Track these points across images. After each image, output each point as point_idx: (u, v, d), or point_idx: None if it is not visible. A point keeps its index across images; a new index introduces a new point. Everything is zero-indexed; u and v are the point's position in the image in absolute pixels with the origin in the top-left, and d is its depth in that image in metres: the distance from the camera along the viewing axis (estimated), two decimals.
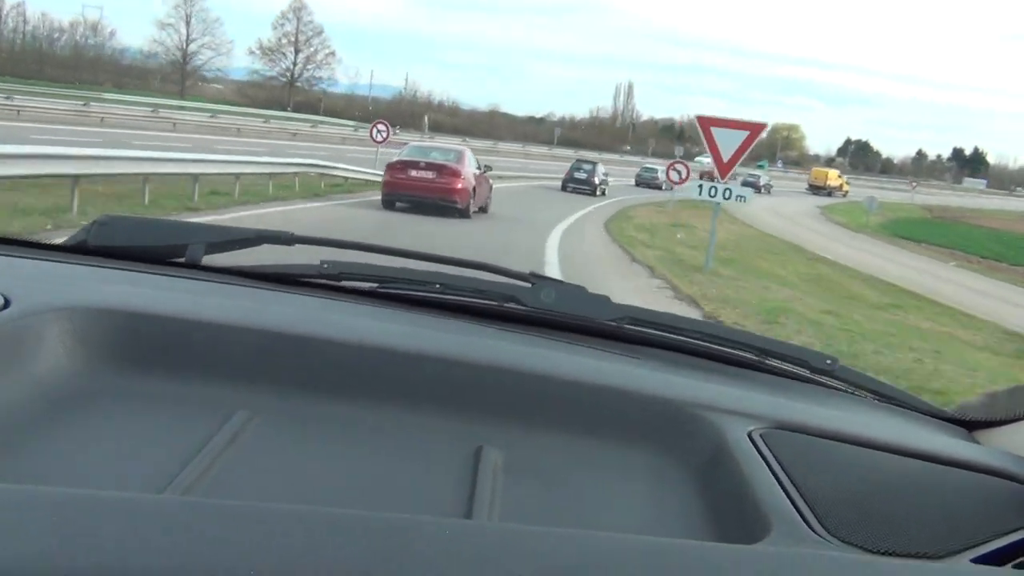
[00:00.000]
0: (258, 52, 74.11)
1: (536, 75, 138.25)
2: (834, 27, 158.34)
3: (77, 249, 1.16)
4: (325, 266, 1.18)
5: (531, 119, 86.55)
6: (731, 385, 1.02)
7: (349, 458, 0.78)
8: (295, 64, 74.25)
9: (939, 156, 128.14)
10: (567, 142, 67.55)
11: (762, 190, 53.30)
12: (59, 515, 0.52)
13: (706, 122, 10.91)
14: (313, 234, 1.29)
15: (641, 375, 0.98)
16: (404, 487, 0.75)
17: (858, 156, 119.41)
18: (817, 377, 1.15)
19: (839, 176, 62.28)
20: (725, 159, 10.80)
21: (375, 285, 1.21)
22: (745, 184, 54.04)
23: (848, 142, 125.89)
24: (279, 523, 0.55)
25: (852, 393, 1.17)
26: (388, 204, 14.79)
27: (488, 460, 0.78)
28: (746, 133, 10.70)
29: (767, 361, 1.16)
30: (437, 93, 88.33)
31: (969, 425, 1.10)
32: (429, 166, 14.62)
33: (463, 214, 14.63)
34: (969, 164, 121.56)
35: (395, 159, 15.19)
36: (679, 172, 24.95)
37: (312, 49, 73.93)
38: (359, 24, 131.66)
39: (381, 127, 24.16)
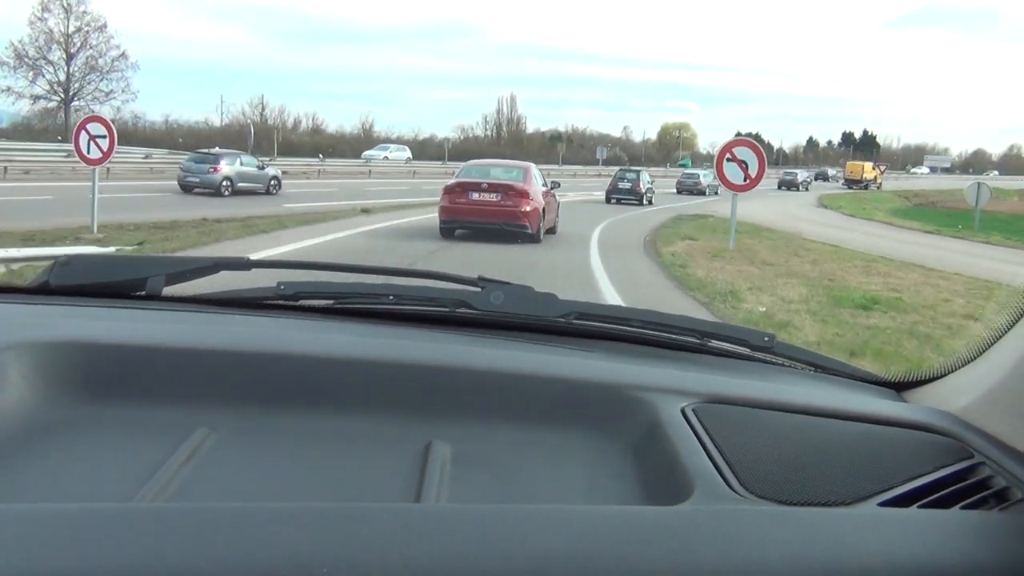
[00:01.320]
0: (11, 60, 46.29)
1: (416, 99, 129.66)
2: (700, 32, 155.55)
3: (40, 290, 1.18)
4: (282, 287, 1.20)
5: (414, 140, 72.87)
6: (671, 367, 1.05)
7: (303, 463, 0.81)
8: (68, 73, 47.28)
9: (830, 142, 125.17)
10: (460, 155, 54.63)
11: (799, 187, 49.59)
12: (27, 528, 0.57)
13: None
14: None
15: (584, 364, 1.01)
16: (356, 485, 0.78)
17: None
18: (757, 354, 1.18)
19: (873, 168, 58.26)
20: None
21: (331, 302, 1.23)
22: (783, 182, 48.94)
23: (740, 135, 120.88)
24: (231, 519, 0.60)
25: (790, 366, 1.20)
26: (447, 232, 12.70)
27: (437, 454, 0.82)
28: None
29: (709, 343, 1.18)
30: (295, 114, 71.81)
31: (898, 386, 1.14)
32: (492, 187, 12.56)
33: (533, 239, 12.51)
34: (861, 147, 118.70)
35: (452, 181, 13.27)
36: (745, 168, 12.03)
37: (90, 51, 47.69)
38: (215, 62, 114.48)
39: (96, 126, 10.35)
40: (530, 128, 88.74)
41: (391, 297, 1.23)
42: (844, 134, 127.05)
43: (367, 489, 0.77)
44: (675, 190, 36.56)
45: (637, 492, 0.80)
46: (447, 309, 1.20)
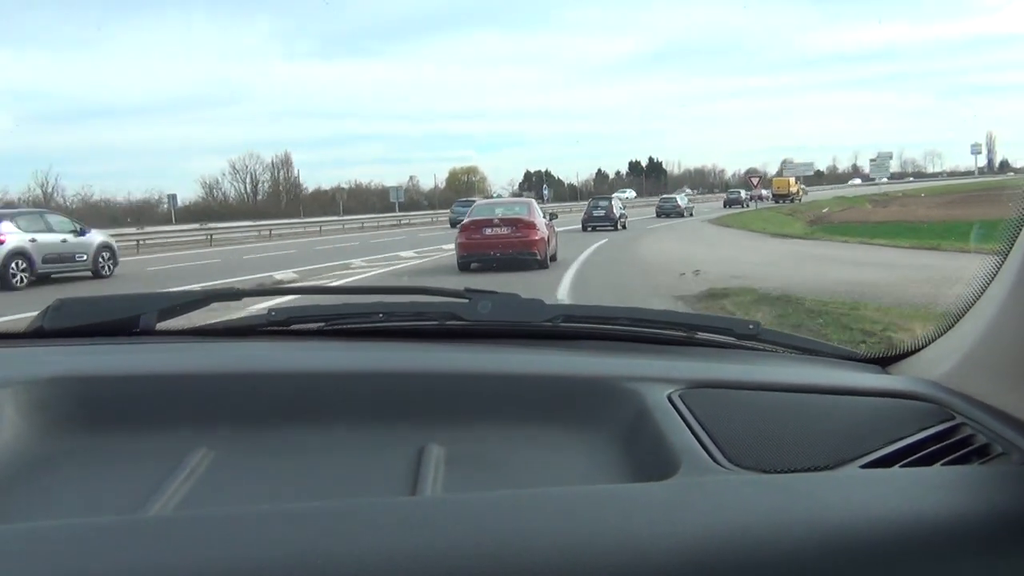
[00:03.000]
0: None
1: (185, 169, 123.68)
2: (473, 83, 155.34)
3: (35, 334, 1.17)
4: (273, 314, 1.20)
5: (127, 202, 56.06)
6: (658, 359, 1.06)
7: (300, 473, 0.83)
8: None
9: (618, 172, 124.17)
10: (205, 215, 39.80)
11: (743, 204, 52.50)
12: (33, 544, 0.58)
13: None
14: None
15: (572, 362, 1.03)
16: (352, 488, 0.80)
17: (541, 186, 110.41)
18: (743, 342, 1.18)
19: (796, 182, 64.81)
20: None
21: (322, 324, 1.22)
22: (729, 200, 56.11)
23: (529, 174, 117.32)
24: (230, 523, 0.62)
25: (776, 351, 1.20)
26: (464, 267, 14.12)
27: (431, 456, 0.83)
28: None
29: (696, 335, 1.19)
30: None
31: (882, 362, 1.15)
32: (503, 222, 14.16)
33: (542, 265, 13.95)
34: (650, 174, 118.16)
35: (466, 220, 14.86)
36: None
37: None
38: None
39: None
40: (312, 187, 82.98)
41: (380, 315, 1.23)
42: (631, 163, 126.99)
43: (364, 491, 0.78)
44: (655, 214, 40.75)
45: (627, 474, 0.81)
46: (436, 322, 1.20)
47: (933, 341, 1.05)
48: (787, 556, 0.62)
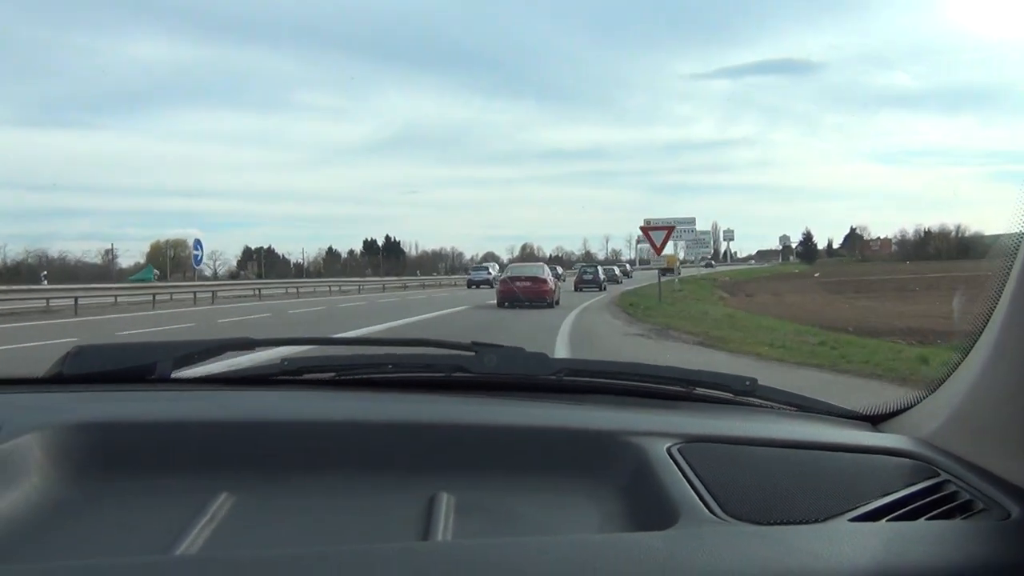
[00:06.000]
0: None
1: None
2: (195, 162, 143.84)
3: (55, 379, 1.21)
4: (285, 363, 1.25)
5: None
6: (658, 414, 1.11)
7: (316, 519, 0.86)
8: None
9: (351, 251, 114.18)
10: None
11: (619, 280, 55.39)
12: None
13: None
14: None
15: (576, 416, 1.07)
16: (367, 534, 0.84)
17: (268, 263, 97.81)
18: (740, 399, 1.23)
19: (678, 260, 73.72)
20: None
21: (334, 374, 1.27)
22: (609, 278, 56.30)
23: (249, 250, 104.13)
24: (254, 567, 0.65)
25: (771, 407, 1.24)
26: (501, 304, 21.92)
27: (440, 504, 0.86)
28: None
29: (694, 391, 1.23)
30: None
31: (873, 420, 1.20)
32: (527, 278, 22.50)
33: (550, 305, 21.83)
34: (388, 254, 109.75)
35: (504, 276, 24.01)
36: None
37: None
38: None
39: None
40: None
41: (390, 366, 1.28)
42: (366, 242, 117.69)
43: (377, 536, 0.82)
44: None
45: (629, 524, 0.85)
46: (444, 374, 1.25)
47: (920, 401, 1.11)
48: None
